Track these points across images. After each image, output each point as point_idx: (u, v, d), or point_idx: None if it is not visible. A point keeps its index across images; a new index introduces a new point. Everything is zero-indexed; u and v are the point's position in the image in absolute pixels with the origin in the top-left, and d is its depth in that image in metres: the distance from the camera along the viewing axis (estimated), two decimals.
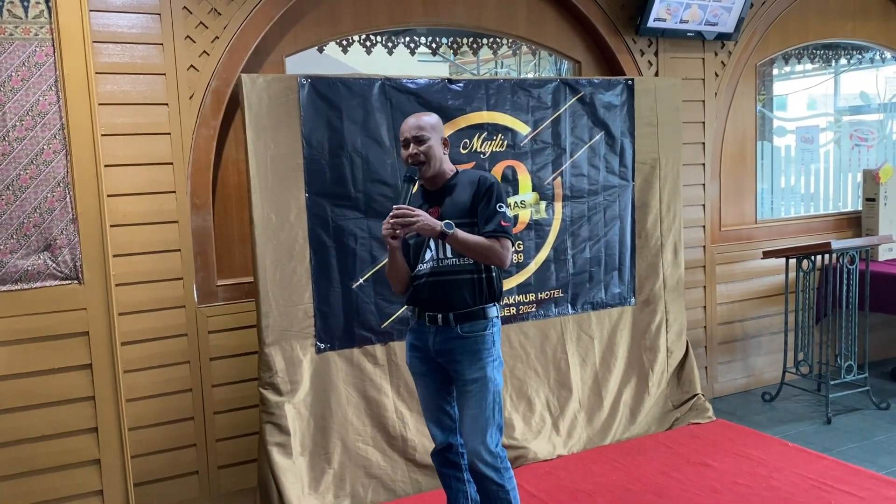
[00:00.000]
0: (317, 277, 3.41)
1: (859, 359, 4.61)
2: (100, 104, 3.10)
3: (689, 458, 3.68)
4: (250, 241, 3.31)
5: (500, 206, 2.59)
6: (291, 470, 3.29)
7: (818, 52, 5.78)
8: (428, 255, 2.65)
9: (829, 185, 6.15)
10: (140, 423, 3.34)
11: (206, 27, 3.39)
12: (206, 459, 3.52)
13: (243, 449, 3.57)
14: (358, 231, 3.47)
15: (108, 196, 3.10)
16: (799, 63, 6.35)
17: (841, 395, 4.57)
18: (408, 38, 4.22)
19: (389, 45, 4.16)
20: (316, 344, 3.43)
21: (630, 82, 4.14)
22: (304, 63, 3.82)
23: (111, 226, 3.11)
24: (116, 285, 3.11)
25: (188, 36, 3.35)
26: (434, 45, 4.31)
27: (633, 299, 4.24)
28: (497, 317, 2.69)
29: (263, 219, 3.28)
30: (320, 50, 3.93)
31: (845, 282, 4.52)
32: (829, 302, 4.67)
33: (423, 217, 2.50)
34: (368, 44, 4.07)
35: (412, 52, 4.26)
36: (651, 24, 4.33)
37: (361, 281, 3.50)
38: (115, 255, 3.14)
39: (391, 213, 2.51)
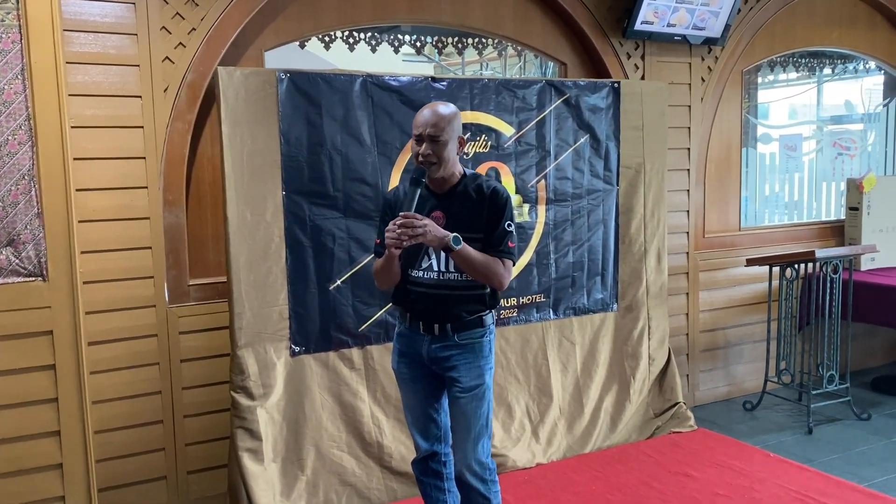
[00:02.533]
0: (293, 278, 3.31)
1: (841, 368, 4.58)
2: (70, 95, 2.98)
3: (670, 467, 3.62)
4: (224, 240, 3.20)
5: (510, 225, 2.48)
6: (263, 476, 3.19)
7: (803, 60, 5.77)
8: (426, 263, 2.52)
9: (812, 193, 6.14)
10: (106, 427, 3.22)
11: (183, 18, 3.28)
12: (175, 464, 3.41)
13: (214, 454, 3.47)
14: (336, 231, 3.38)
15: (77, 190, 2.99)
16: (784, 71, 6.35)
17: (822, 404, 4.53)
18: (392, 36, 4.14)
19: (373, 42, 4.07)
20: (290, 347, 3.33)
21: (616, 85, 4.08)
22: (285, 58, 3.72)
23: (79, 221, 2.99)
24: (83, 283, 2.99)
25: (164, 26, 3.25)
26: (418, 44, 4.23)
27: (615, 305, 4.17)
28: (493, 324, 2.61)
29: (238, 217, 3.18)
30: (302, 45, 3.84)
31: (829, 291, 4.48)
32: (811, 311, 4.65)
33: (431, 227, 2.36)
34: (352, 40, 3.98)
35: (396, 51, 4.18)
36: (638, 26, 4.27)
37: (339, 282, 3.40)
38: (82, 252, 3.02)
39: (397, 221, 2.35)
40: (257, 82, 3.19)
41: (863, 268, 5.12)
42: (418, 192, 2.43)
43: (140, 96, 3.22)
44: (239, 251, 3.19)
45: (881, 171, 5.82)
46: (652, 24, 4.32)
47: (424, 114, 2.46)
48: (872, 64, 5.77)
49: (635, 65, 4.48)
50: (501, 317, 3.79)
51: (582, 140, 3.97)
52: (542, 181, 3.87)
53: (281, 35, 3.62)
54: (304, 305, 3.34)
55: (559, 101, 3.89)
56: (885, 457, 3.95)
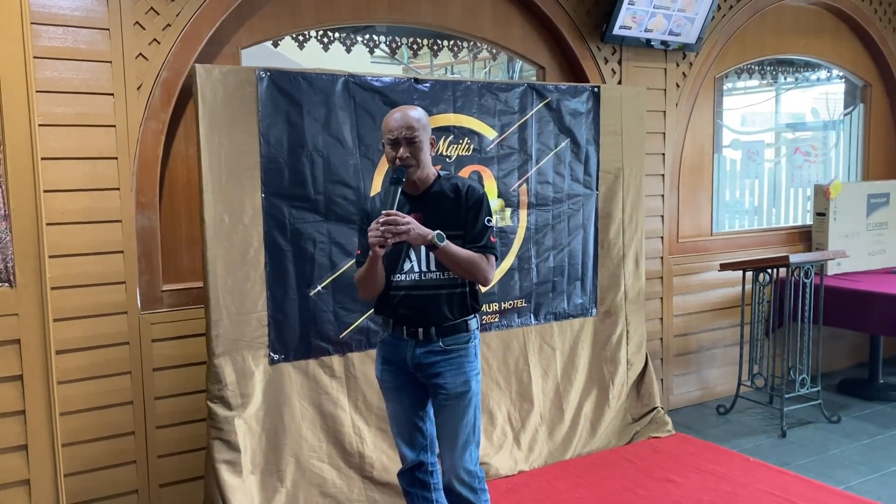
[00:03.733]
0: (272, 284, 3.21)
1: (811, 372, 4.64)
2: (38, 91, 2.84)
3: (652, 473, 3.61)
4: (200, 244, 3.09)
5: (489, 221, 2.47)
6: (241, 489, 3.07)
7: (769, 67, 5.86)
8: (407, 266, 2.48)
9: (774, 199, 6.24)
10: (75, 439, 3.07)
11: (158, 13, 3.16)
12: (147, 477, 3.27)
13: (188, 466, 3.33)
14: (317, 235, 3.29)
15: (45, 192, 2.82)
16: (751, 78, 6.45)
17: (794, 408, 4.59)
18: (367, 37, 4.06)
19: (348, 42, 3.99)
20: (269, 355, 3.23)
21: (596, 90, 4.07)
22: (257, 58, 3.61)
23: (47, 224, 2.83)
24: (52, 289, 2.84)
25: (137, 22, 3.12)
26: (393, 45, 4.16)
27: (594, 310, 4.16)
28: (477, 328, 2.56)
29: (216, 220, 3.07)
30: (275, 45, 3.74)
31: (801, 295, 4.54)
32: (782, 315, 4.70)
33: (414, 225, 2.33)
34: (326, 40, 3.89)
35: (371, 51, 4.10)
36: (617, 31, 4.28)
37: (320, 288, 3.31)
38: (51, 256, 2.88)
39: (380, 219, 2.31)
40: (236, 81, 3.08)
41: (829, 272, 5.21)
42: (399, 190, 2.39)
43: (112, 94, 3.09)
44: (216, 255, 3.07)
45: (844, 177, 5.94)
46: (630, 28, 4.32)
47: (395, 117, 2.46)
48: (836, 72, 5.88)
49: (612, 70, 4.48)
50: (483, 322, 3.74)
51: (563, 144, 3.95)
52: (524, 185, 3.83)
53: (258, 33, 3.51)
54: (283, 312, 3.24)
55: (541, 104, 3.86)
56: (858, 459, 4.01)
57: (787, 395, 4.51)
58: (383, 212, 2.33)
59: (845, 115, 6.01)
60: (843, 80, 5.91)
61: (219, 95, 3.03)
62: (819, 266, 4.67)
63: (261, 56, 3.71)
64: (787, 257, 4.43)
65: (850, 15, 5.46)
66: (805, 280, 4.53)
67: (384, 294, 2.51)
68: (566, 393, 4.02)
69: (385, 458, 3.37)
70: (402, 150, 2.42)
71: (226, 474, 3.05)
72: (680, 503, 3.30)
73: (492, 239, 2.46)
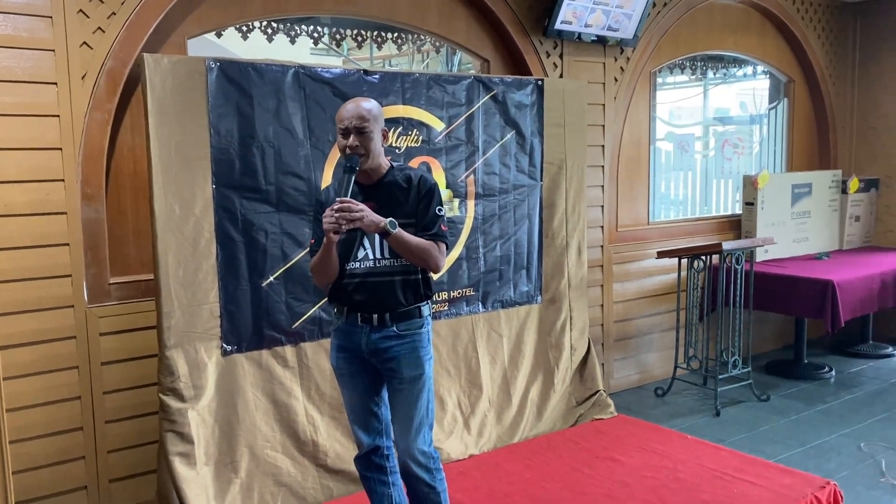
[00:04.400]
0: (224, 275, 3.20)
1: (743, 354, 4.88)
2: None
3: (597, 453, 3.76)
4: (151, 236, 3.05)
5: (440, 210, 2.55)
6: (195, 481, 3.07)
7: (700, 63, 6.10)
8: (361, 254, 2.54)
9: (706, 189, 6.51)
10: (22, 436, 3.01)
11: (102, 1, 3.10)
12: (97, 473, 3.22)
13: (138, 460, 3.30)
14: (269, 226, 3.29)
15: None
16: (682, 73, 6.68)
17: (727, 388, 4.82)
18: (311, 28, 4.06)
19: (292, 33, 3.98)
20: (222, 346, 3.22)
21: (540, 83, 4.18)
22: (199, 50, 3.58)
23: None
24: None
25: (81, 10, 3.05)
26: (338, 37, 4.17)
27: (539, 297, 4.28)
28: (430, 315, 2.63)
29: (166, 211, 3.04)
30: (218, 35, 3.70)
31: (733, 281, 4.77)
32: (715, 300, 4.93)
33: (367, 212, 2.39)
34: (270, 31, 3.88)
35: (315, 42, 4.10)
36: (558, 25, 4.39)
37: (272, 279, 3.32)
38: None
39: (334, 206, 2.37)
40: (185, 71, 3.05)
41: (758, 259, 5.48)
42: (353, 178, 2.45)
43: (55, 83, 3.02)
44: (167, 247, 3.05)
45: (771, 169, 6.23)
46: (571, 24, 4.45)
47: (348, 107, 2.51)
48: (761, 68, 6.16)
49: (554, 63, 4.60)
50: (433, 311, 3.80)
51: (508, 136, 4.05)
52: (472, 176, 3.91)
53: (205, 23, 3.48)
54: (235, 303, 3.24)
55: (487, 97, 3.94)
56: (787, 434, 4.25)
57: (720, 377, 4.74)
58: (337, 199, 2.38)
59: (770, 109, 6.30)
60: (769, 75, 6.20)
61: (168, 85, 3.00)
62: (749, 253, 4.91)
63: (203, 47, 3.68)
64: (719, 244, 4.65)
65: (775, 14, 5.73)
66: (736, 266, 4.76)
67: (339, 282, 2.55)
68: (513, 378, 4.13)
69: (339, 446, 3.40)
70: (351, 138, 2.47)
71: (179, 466, 3.03)
72: (625, 481, 3.44)
73: (442, 227, 2.54)
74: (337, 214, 2.35)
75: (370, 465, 2.71)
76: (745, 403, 4.77)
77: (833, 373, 5.37)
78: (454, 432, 3.80)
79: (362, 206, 2.40)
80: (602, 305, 4.99)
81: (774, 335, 6.05)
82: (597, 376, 4.41)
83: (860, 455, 3.94)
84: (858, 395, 4.93)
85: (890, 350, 5.84)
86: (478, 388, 3.98)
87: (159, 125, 3.00)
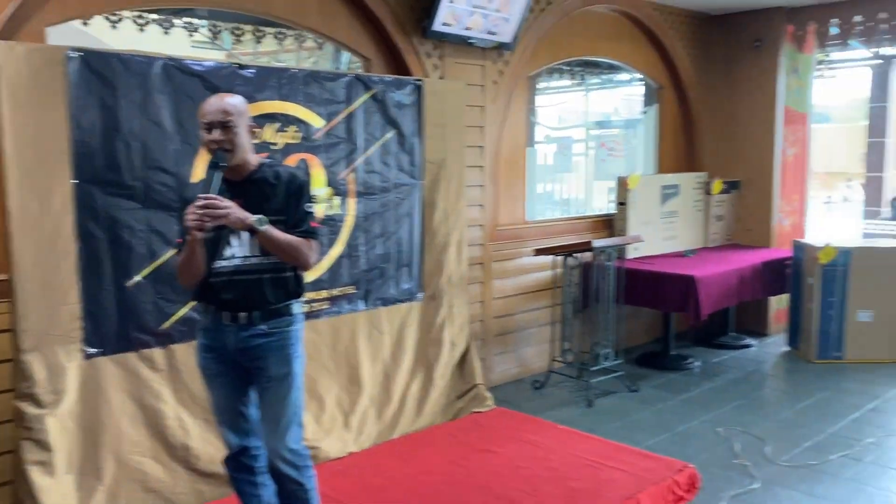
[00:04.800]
0: (86, 274, 3.06)
1: (615, 347, 5.12)
2: None
3: (474, 446, 3.84)
4: (4, 234, 2.88)
5: (310, 207, 2.54)
6: (55, 490, 2.92)
7: (578, 68, 6.35)
8: (229, 252, 2.49)
9: (585, 190, 6.79)
10: None
11: None
12: None
13: None
14: (135, 223, 3.17)
15: None
16: (561, 77, 6.93)
17: (600, 380, 5.04)
18: (186, 19, 3.94)
19: (166, 24, 3.86)
20: (84, 349, 3.08)
21: (419, 83, 4.23)
22: (62, 39, 3.40)
23: None
24: None
25: None
26: (214, 30, 4.07)
27: (420, 294, 4.33)
28: (301, 313, 2.61)
29: (22, 208, 2.88)
30: (85, 23, 3.53)
31: (605, 277, 5.00)
32: (589, 296, 5.14)
33: (234, 209, 2.34)
34: (141, 21, 3.74)
35: (190, 34, 3.99)
36: (438, 27, 4.46)
37: (139, 278, 3.20)
38: None
39: (197, 203, 2.30)
40: (42, 60, 2.90)
41: (629, 256, 5.75)
42: (218, 174, 2.39)
43: None
44: (23, 246, 2.89)
45: (644, 170, 6.56)
46: (450, 26, 4.52)
47: (211, 102, 2.48)
48: (635, 74, 6.48)
49: (434, 64, 4.66)
50: (313, 309, 3.78)
51: (389, 135, 4.07)
52: (352, 174, 3.91)
53: (67, 10, 3.31)
54: (98, 304, 3.10)
55: (367, 95, 3.95)
56: (654, 423, 4.50)
57: (592, 369, 4.96)
58: (199, 195, 2.32)
59: (642, 114, 6.63)
60: (643, 82, 6.52)
61: (23, 75, 2.84)
62: (619, 250, 5.16)
63: (68, 35, 3.49)
64: (589, 242, 4.85)
65: (645, 24, 6.04)
66: (607, 263, 4.99)
67: (205, 281, 2.49)
68: (394, 375, 4.16)
69: (212, 448, 3.32)
70: (216, 133, 2.42)
71: (37, 476, 2.88)
72: (499, 471, 3.54)
73: (313, 224, 2.53)
74: (201, 212, 2.30)
75: (239, 466, 2.67)
76: (617, 394, 5.00)
77: (698, 363, 5.72)
78: (333, 431, 3.79)
79: (228, 202, 2.35)
80: (482, 302, 5.10)
81: (646, 329, 6.37)
82: (476, 371, 4.51)
83: (717, 439, 4.22)
84: (719, 383, 5.27)
85: (748, 341, 6.27)
86: (358, 385, 3.98)
87: (13, 117, 2.84)
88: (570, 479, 3.45)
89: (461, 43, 4.69)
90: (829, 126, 22.31)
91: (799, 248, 5.91)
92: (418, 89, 4.21)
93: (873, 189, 9.63)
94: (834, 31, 6.08)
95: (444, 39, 4.60)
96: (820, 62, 7.23)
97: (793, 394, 5.09)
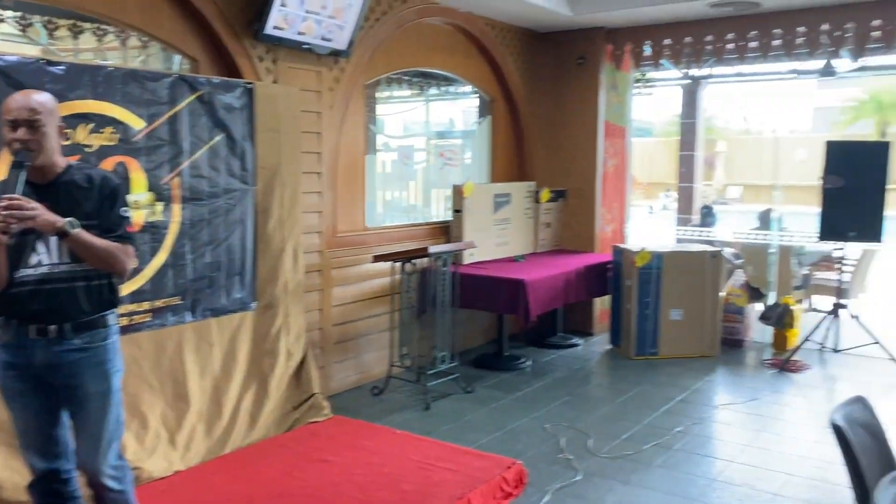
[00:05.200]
0: None
1: (452, 350, 5.25)
2: None
3: (309, 456, 3.79)
4: None
5: (125, 211, 2.43)
6: None
7: (416, 79, 6.45)
8: (35, 259, 2.31)
9: (425, 198, 6.91)
10: None
11: None
12: None
13: None
14: None
15: None
16: (399, 88, 7.02)
17: (437, 383, 5.14)
18: None
19: None
20: None
21: (250, 86, 4.13)
22: None
23: None
24: None
25: None
26: (23, 22, 3.76)
27: (254, 304, 4.22)
28: (117, 325, 2.47)
29: None
30: None
31: (441, 282, 5.11)
32: (426, 300, 5.24)
33: (42, 211, 2.18)
34: None
35: None
36: (270, 31, 4.37)
37: None
38: None
39: (1, 204, 2.12)
40: None
41: (465, 262, 5.92)
42: (22, 174, 2.23)
43: None
44: None
45: (478, 179, 6.77)
46: (283, 30, 4.45)
47: (17, 99, 2.32)
48: (470, 87, 6.69)
49: (267, 68, 4.57)
50: (133, 322, 3.58)
51: (218, 138, 3.94)
52: (177, 178, 3.75)
53: None
54: None
55: (192, 97, 3.81)
56: (487, 422, 4.65)
57: (430, 372, 5.05)
58: (3, 196, 2.15)
59: (476, 124, 6.86)
60: (477, 94, 6.74)
61: None
62: (455, 256, 5.30)
63: None
64: (425, 248, 4.95)
65: (478, 38, 6.25)
66: (444, 269, 5.11)
67: (6, 292, 2.30)
68: (225, 389, 4.02)
69: (16, 475, 3.04)
70: (21, 132, 2.26)
71: None
72: (334, 480, 3.52)
73: (128, 229, 2.42)
74: (5, 213, 2.12)
75: (47, 491, 2.49)
76: (453, 396, 5.12)
77: (529, 363, 5.98)
78: (157, 449, 3.60)
79: (36, 204, 2.19)
80: (321, 310, 5.05)
81: (483, 331, 6.58)
82: (313, 380, 4.46)
83: (545, 435, 4.43)
84: (548, 381, 5.55)
85: (575, 340, 6.64)
86: (185, 401, 3.81)
87: None
88: (403, 482, 3.49)
89: (295, 48, 4.63)
90: (650, 140, 24.22)
91: (618, 252, 6.35)
92: (249, 92, 4.11)
93: (685, 198, 10.54)
94: (647, 51, 6.60)
95: (277, 44, 4.52)
96: (637, 80, 7.81)
97: (614, 389, 5.45)
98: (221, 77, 4.17)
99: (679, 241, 8.86)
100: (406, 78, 6.56)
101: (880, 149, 5.82)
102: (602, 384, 5.72)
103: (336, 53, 4.87)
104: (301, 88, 4.66)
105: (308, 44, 4.65)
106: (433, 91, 7.42)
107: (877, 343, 5.91)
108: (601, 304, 6.94)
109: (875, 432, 2.27)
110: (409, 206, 6.91)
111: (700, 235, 8.69)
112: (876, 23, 5.54)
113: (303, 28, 4.54)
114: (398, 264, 5.15)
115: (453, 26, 6.05)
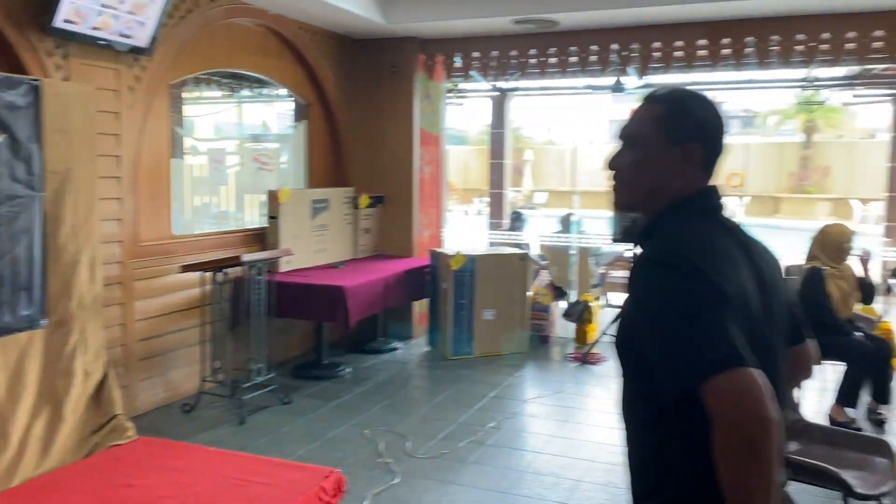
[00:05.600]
0: None
1: (268, 361, 5.12)
2: None
3: (112, 482, 3.53)
4: None
5: None
6: None
7: (227, 80, 6.23)
8: None
9: (239, 204, 6.69)
10: None
11: None
12: None
13: None
14: None
15: None
16: (209, 89, 6.75)
17: (253, 395, 4.99)
18: None
19: None
20: None
21: (36, 83, 3.78)
22: None
23: None
24: None
25: None
26: None
27: (44, 321, 3.86)
28: None
29: None
30: None
31: (257, 292, 4.97)
32: (240, 311, 5.07)
33: None
34: None
35: None
36: (60, 24, 4.03)
37: None
38: None
39: None
40: None
41: (281, 269, 5.80)
42: None
43: None
44: None
45: (295, 184, 6.67)
46: (76, 24, 4.13)
47: None
48: (285, 90, 6.57)
49: (57, 64, 4.21)
50: None
51: None
52: None
53: None
54: None
55: None
56: (306, 432, 4.59)
57: (245, 385, 4.89)
58: None
59: (292, 129, 6.75)
60: (293, 97, 6.63)
61: None
62: (271, 264, 5.18)
63: None
64: (238, 257, 4.80)
65: (291, 41, 6.16)
66: (258, 277, 4.97)
67: None
68: (11, 415, 3.64)
69: None
70: None
71: None
72: None
73: None
74: None
75: None
76: (270, 408, 5.00)
77: (349, 369, 5.98)
78: None
79: None
80: (123, 325, 4.73)
81: (301, 340, 6.47)
82: (115, 400, 4.15)
83: (364, 441, 4.46)
84: (368, 387, 5.57)
85: (396, 344, 6.74)
86: None
87: None
88: (217, 500, 3.35)
89: (90, 43, 4.30)
90: (465, 148, 25.11)
91: (435, 256, 6.52)
92: (35, 90, 3.76)
93: (496, 204, 11.03)
94: (458, 62, 6.84)
95: (69, 38, 4.18)
96: (450, 90, 8.07)
97: (431, 390, 5.59)
98: (2, 73, 3.79)
99: (491, 244, 9.25)
100: (216, 79, 6.33)
101: None
102: (420, 386, 5.84)
103: (137, 51, 4.59)
104: (97, 87, 4.33)
105: (105, 40, 4.34)
106: (246, 93, 7.22)
107: None
108: (420, 308, 7.08)
109: None
110: (220, 212, 6.65)
111: (510, 239, 9.13)
112: (656, 45, 6.13)
113: (98, 23, 4.23)
114: (209, 274, 4.94)
115: (265, 28, 5.91)
